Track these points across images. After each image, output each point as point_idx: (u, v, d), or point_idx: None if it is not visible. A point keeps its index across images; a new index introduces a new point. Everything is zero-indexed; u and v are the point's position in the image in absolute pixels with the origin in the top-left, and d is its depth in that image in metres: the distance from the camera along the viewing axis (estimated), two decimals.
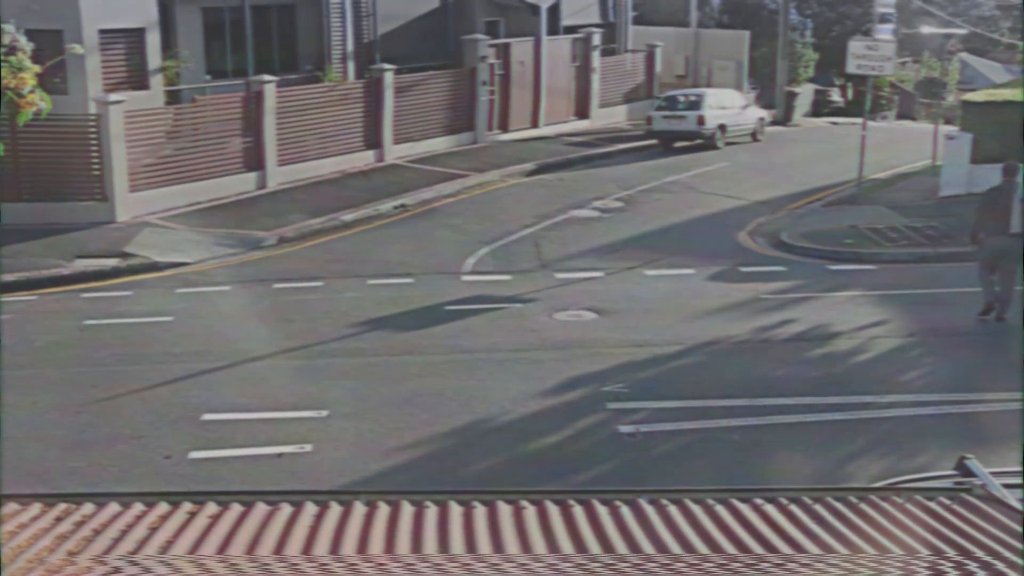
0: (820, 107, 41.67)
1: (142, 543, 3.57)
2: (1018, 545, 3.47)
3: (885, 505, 3.94)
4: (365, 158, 26.45)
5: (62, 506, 3.88)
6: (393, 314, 15.84)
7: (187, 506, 3.90)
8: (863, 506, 3.93)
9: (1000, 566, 3.35)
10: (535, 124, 31.99)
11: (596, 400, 12.17)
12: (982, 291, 15.03)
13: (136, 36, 22.88)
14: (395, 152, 27.09)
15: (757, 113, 32.88)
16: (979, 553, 3.46)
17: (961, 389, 12.34)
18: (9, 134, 18.75)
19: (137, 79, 23.04)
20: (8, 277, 17.53)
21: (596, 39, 33.55)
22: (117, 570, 3.36)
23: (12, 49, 9.99)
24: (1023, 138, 16.95)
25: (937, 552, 3.48)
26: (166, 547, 3.55)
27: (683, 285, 17.43)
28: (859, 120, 25.90)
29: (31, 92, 10.00)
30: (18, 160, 20.47)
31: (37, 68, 10.28)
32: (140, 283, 17.88)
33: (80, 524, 3.72)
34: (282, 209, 22.42)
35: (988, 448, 9.19)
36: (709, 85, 35.20)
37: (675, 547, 3.56)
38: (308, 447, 10.88)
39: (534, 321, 15.40)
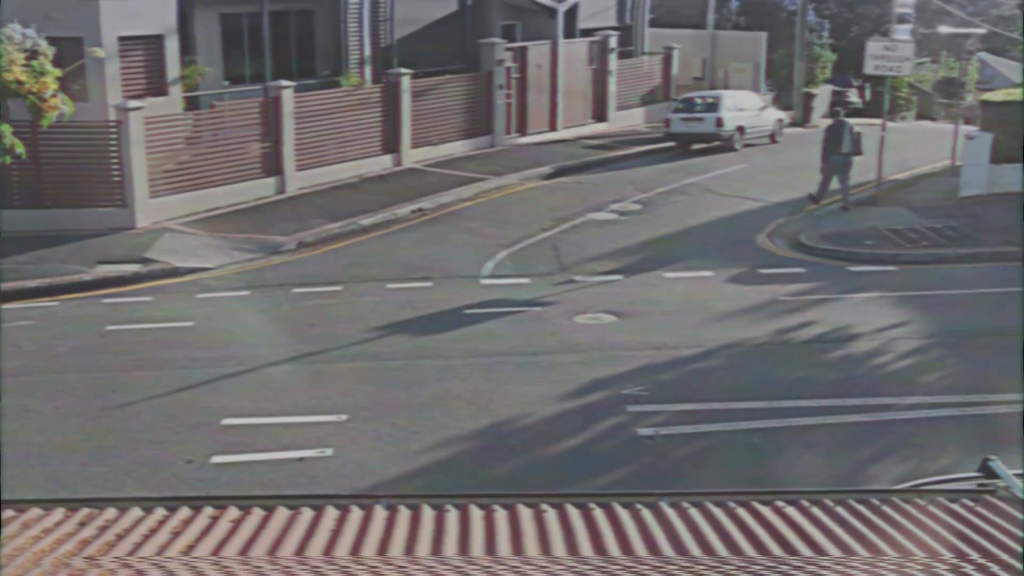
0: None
1: (164, 547, 3.59)
2: None
3: (907, 507, 3.92)
4: (383, 162, 26.51)
5: (85, 511, 3.90)
6: (412, 318, 15.86)
7: (208, 510, 3.92)
8: (885, 508, 3.91)
9: None
10: (552, 127, 32.00)
11: (615, 403, 12.15)
12: (819, 186, 23.45)
13: (155, 43, 22.99)
14: (413, 156, 27.14)
15: (775, 115, 32.80)
16: (1003, 555, 3.44)
17: (982, 390, 12.27)
18: (31, 141, 18.85)
19: (156, 85, 23.15)
20: (30, 283, 17.63)
21: (613, 42, 33.52)
22: (140, 573, 3.37)
23: (34, 53, 10.07)
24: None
25: (960, 554, 3.47)
26: (188, 551, 3.57)
27: (702, 287, 17.39)
28: (877, 121, 25.80)
29: (53, 96, 10.08)
30: (39, 167, 20.59)
31: (58, 72, 10.36)
32: (160, 288, 17.95)
33: (103, 529, 3.74)
34: (301, 214, 22.49)
35: (1011, 449, 9.13)
36: (726, 87, 35.14)
37: (695, 549, 3.55)
38: (328, 451, 10.90)
39: (553, 324, 15.40)
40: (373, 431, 11.45)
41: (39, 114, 10.04)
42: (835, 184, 23.40)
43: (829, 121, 24.62)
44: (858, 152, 23.43)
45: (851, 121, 24.74)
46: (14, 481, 9.69)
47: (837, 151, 23.29)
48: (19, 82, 9.77)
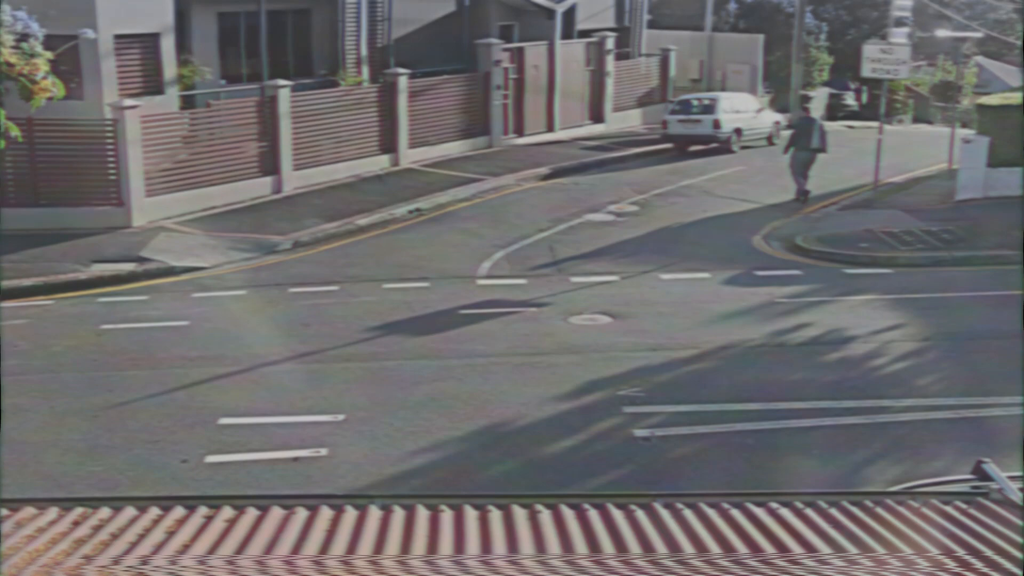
0: (835, 111, 41.61)
1: (158, 547, 3.59)
2: None
3: (901, 509, 3.93)
4: (380, 162, 26.50)
5: (79, 510, 3.90)
6: (408, 318, 15.86)
7: (203, 510, 3.92)
8: (879, 510, 3.92)
9: (1019, 571, 3.34)
10: (550, 128, 32.00)
11: (611, 404, 12.15)
12: (796, 185, 24.31)
13: (151, 41, 22.96)
14: (410, 156, 27.13)
15: (772, 117, 32.83)
16: (996, 558, 3.45)
17: (977, 393, 12.28)
18: (27, 141, 18.82)
19: (153, 84, 23.11)
20: (26, 282, 17.61)
21: (610, 43, 33.53)
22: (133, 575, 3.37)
23: (24, 36, 10.06)
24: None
25: (954, 557, 3.47)
26: (182, 551, 3.57)
27: (698, 289, 17.40)
28: (874, 124, 25.85)
29: (44, 78, 10.07)
30: (35, 165, 20.57)
31: (49, 55, 10.36)
32: (156, 288, 17.93)
33: (97, 528, 3.74)
34: (297, 213, 22.47)
35: (1006, 453, 9.13)
36: (724, 89, 35.16)
37: (690, 550, 3.56)
38: (324, 451, 10.89)
39: (549, 325, 15.39)
40: (369, 431, 11.44)
41: (29, 96, 10.01)
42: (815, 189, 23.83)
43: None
44: (823, 149, 24.37)
45: (822, 120, 26.67)
46: (8, 480, 9.68)
47: (806, 146, 24.20)
48: (9, 64, 9.75)
